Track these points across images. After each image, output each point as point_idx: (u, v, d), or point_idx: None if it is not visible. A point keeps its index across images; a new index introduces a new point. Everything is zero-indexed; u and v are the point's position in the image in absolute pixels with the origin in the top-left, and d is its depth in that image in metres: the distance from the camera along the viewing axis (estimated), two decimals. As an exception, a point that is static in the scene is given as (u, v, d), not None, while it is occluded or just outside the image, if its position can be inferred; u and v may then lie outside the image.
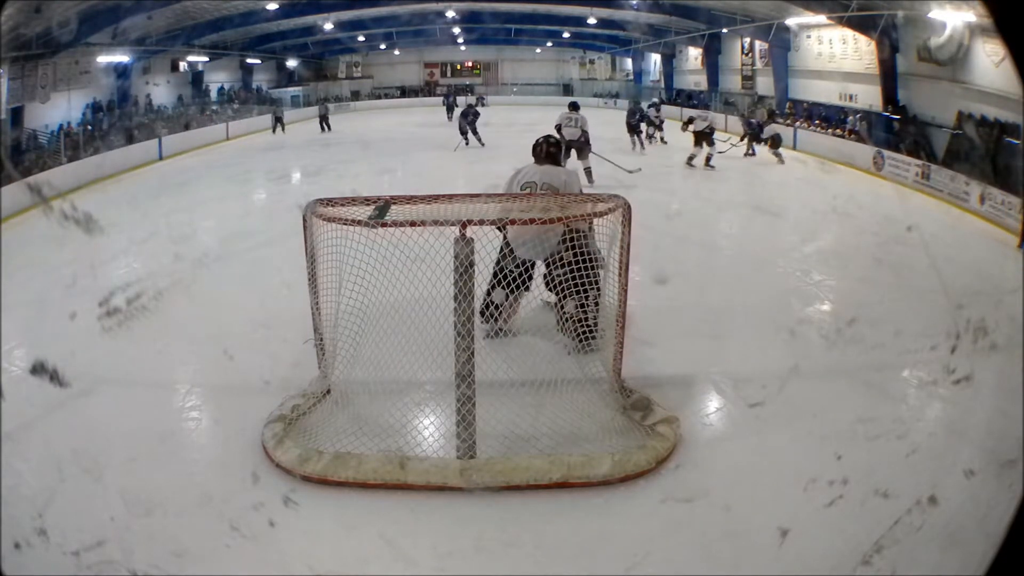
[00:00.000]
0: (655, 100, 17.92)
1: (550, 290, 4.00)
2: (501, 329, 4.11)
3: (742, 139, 12.88)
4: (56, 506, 2.65)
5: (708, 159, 10.94)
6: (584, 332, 3.81)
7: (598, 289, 3.70)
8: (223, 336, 4.22)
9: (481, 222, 3.02)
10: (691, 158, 10.96)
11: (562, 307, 3.95)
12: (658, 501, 2.77)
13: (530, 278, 3.92)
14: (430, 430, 3.17)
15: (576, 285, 3.58)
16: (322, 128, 18.00)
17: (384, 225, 3.04)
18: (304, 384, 3.55)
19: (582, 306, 3.75)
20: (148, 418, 3.43)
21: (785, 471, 2.93)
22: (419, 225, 3.05)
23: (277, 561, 2.46)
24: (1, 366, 3.83)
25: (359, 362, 3.40)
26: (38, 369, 3.42)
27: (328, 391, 3.49)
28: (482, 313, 3.95)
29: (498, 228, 3.76)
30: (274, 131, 17.56)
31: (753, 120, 13.33)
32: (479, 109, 13.58)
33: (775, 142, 12.18)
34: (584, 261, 3.57)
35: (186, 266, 5.75)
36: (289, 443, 3.03)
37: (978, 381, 3.48)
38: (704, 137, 10.93)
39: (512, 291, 3.84)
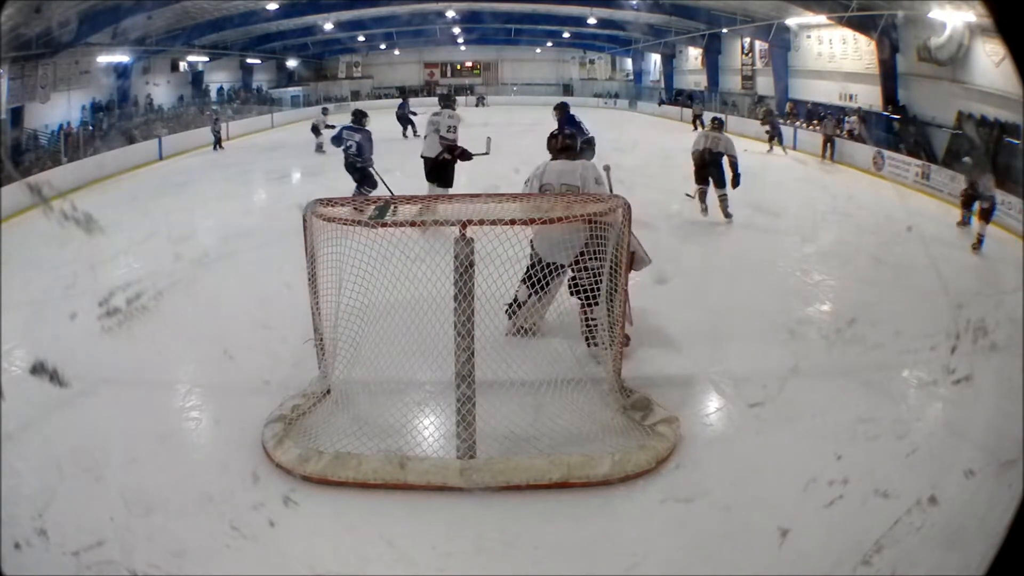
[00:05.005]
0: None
1: (574, 295, 3.88)
2: (522, 328, 4.09)
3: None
4: (56, 506, 2.65)
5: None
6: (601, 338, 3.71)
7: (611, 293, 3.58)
8: (223, 336, 4.22)
9: (481, 222, 3.02)
10: None
11: (586, 315, 3.88)
12: (658, 501, 2.77)
13: (555, 280, 3.84)
14: (430, 430, 3.17)
15: (599, 290, 3.52)
16: (215, 146, 14.55)
17: (384, 225, 3.04)
18: (304, 384, 3.54)
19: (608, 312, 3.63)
20: (148, 418, 3.43)
21: (785, 471, 2.93)
22: (419, 225, 3.05)
23: (277, 561, 2.46)
24: (1, 366, 3.83)
25: (359, 362, 3.40)
26: (38, 369, 3.42)
27: (328, 391, 3.49)
28: (508, 309, 3.94)
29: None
30: (216, 147, 14.45)
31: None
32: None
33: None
34: (608, 263, 3.49)
35: (186, 266, 5.75)
36: (289, 443, 3.03)
37: (978, 381, 3.48)
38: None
39: (536, 291, 3.82)
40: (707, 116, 13.37)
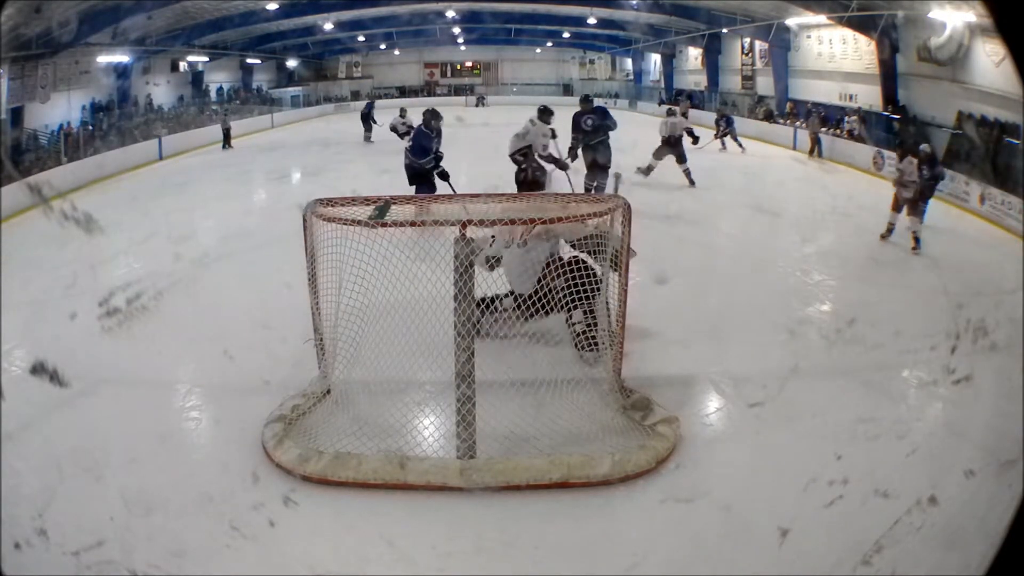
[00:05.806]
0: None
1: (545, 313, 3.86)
2: (488, 332, 4.02)
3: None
4: (56, 506, 2.65)
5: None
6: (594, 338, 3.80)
7: (595, 293, 3.68)
8: (223, 336, 4.22)
9: (481, 222, 3.02)
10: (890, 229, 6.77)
11: (571, 320, 3.95)
12: (658, 501, 2.77)
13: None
14: (430, 430, 3.17)
15: (576, 296, 3.59)
16: (224, 145, 14.67)
17: (384, 225, 3.04)
18: (304, 384, 3.55)
19: (589, 312, 3.73)
20: (148, 418, 3.43)
21: (785, 471, 2.93)
22: (419, 225, 3.05)
23: (277, 561, 2.47)
24: (1, 366, 3.83)
25: (359, 362, 3.40)
26: (38, 369, 3.43)
27: (328, 391, 3.49)
28: (480, 304, 3.95)
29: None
30: (225, 145, 14.61)
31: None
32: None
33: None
34: (580, 272, 3.60)
35: (186, 266, 5.75)
36: (289, 443, 3.03)
37: (978, 381, 3.48)
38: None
39: (519, 308, 3.83)
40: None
